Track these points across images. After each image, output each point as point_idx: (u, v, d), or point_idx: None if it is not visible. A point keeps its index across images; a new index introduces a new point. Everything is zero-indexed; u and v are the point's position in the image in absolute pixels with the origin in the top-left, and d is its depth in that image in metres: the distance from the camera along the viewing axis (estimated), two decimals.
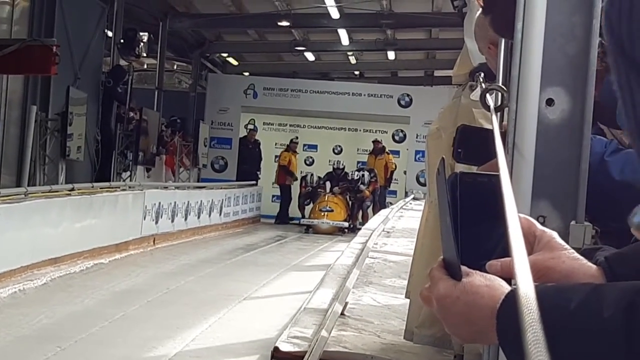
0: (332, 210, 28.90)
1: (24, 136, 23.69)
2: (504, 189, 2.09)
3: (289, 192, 39.33)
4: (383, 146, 37.37)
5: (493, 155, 2.80)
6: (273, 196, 41.34)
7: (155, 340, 13.31)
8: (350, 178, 34.15)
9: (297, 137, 39.58)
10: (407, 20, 34.18)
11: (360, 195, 33.56)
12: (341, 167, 35.64)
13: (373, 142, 37.66)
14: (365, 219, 30.51)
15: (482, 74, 5.35)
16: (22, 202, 17.02)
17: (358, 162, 37.08)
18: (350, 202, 32.86)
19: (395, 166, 37.32)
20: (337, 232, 28.12)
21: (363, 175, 35.12)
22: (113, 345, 12.74)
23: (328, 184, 34.64)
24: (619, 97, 0.87)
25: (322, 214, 28.72)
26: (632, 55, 0.80)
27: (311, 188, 35.11)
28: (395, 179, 37.02)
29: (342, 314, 9.91)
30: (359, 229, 27.22)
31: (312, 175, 36.43)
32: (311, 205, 33.81)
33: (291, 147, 36.88)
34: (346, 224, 29.18)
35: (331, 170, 36.23)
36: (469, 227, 2.19)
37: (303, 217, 33.97)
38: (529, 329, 1.22)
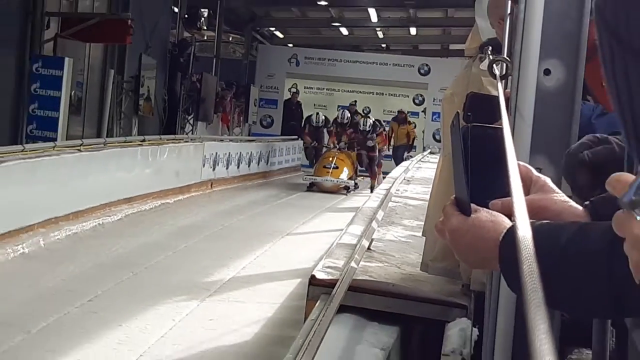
0: (337, 167, 25.39)
1: (103, 96, 23.68)
2: (506, 142, 2.12)
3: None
4: (406, 116, 36.70)
5: (498, 117, 2.83)
6: None
7: (212, 268, 13.32)
8: (362, 129, 30.34)
9: (355, 101, 38.43)
10: (426, 1, 33.94)
11: (372, 144, 29.53)
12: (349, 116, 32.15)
13: (398, 112, 36.99)
14: (375, 179, 28.14)
15: (490, 48, 5.37)
16: (101, 151, 17.01)
17: (384, 121, 36.65)
18: (357, 157, 28.60)
19: (416, 135, 36.91)
20: (342, 190, 25.32)
21: (375, 123, 31.86)
22: (177, 271, 12.77)
23: (326, 136, 31.75)
24: (611, 83, 0.87)
25: (327, 170, 25.37)
26: (630, 43, 0.79)
27: (320, 127, 32.11)
28: (415, 137, 36.64)
29: (368, 248, 9.88)
30: (371, 189, 25.50)
31: (317, 114, 33.66)
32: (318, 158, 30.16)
33: (350, 110, 35.83)
34: (352, 182, 26.06)
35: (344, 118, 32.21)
36: (478, 172, 2.23)
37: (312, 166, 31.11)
38: (525, 259, 1.24)
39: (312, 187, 24.74)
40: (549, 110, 3.78)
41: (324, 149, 28.57)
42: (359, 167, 29.07)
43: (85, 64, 22.96)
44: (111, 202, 16.66)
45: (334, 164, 25.04)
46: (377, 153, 29.68)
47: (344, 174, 24.90)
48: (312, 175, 25.21)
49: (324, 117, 32.39)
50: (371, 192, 25.12)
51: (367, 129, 30.01)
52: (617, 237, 1.71)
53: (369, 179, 29.58)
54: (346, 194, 24.13)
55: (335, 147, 27.80)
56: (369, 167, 28.70)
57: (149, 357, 8.82)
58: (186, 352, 9.09)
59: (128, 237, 15.20)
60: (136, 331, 9.69)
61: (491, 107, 3.06)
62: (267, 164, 29.72)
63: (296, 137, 34.88)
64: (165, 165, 20.37)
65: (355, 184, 26.20)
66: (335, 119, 31.44)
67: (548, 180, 2.28)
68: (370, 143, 29.02)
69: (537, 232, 1.59)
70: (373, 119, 31.37)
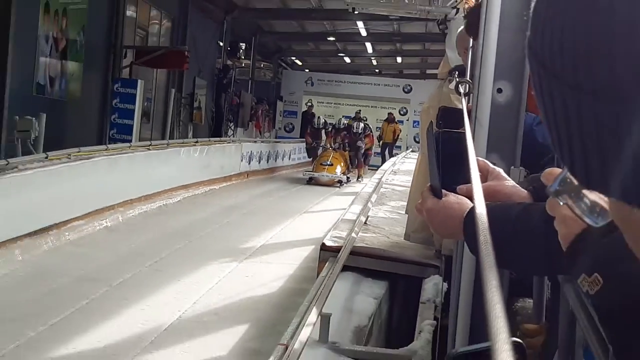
0: (331, 165, 24.50)
1: (166, 108, 23.75)
2: (468, 143, 2.14)
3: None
4: (394, 117, 36.70)
5: (462, 125, 2.83)
6: None
7: (246, 237, 13.34)
8: (355, 131, 29.82)
9: (360, 110, 37.72)
10: (409, 37, 33.90)
11: (360, 146, 29.20)
12: (345, 122, 31.05)
13: (388, 114, 37.15)
14: (361, 171, 28.29)
15: (457, 72, 5.41)
16: (165, 149, 17.03)
17: (376, 127, 36.86)
18: (348, 154, 27.72)
19: (400, 131, 37.01)
20: (336, 183, 24.35)
21: (364, 127, 31.29)
22: (221, 240, 12.80)
23: (323, 136, 30.49)
24: (539, 101, 0.86)
25: (323, 167, 24.48)
26: (553, 70, 0.78)
27: (318, 129, 30.69)
28: (400, 139, 36.67)
29: (365, 223, 9.90)
30: (359, 180, 25.88)
31: (318, 118, 32.56)
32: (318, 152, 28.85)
33: (356, 117, 35.71)
34: (344, 177, 25.07)
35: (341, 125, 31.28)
36: (447, 165, 2.25)
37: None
38: (482, 232, 1.23)
39: (311, 181, 23.86)
40: (501, 120, 3.79)
41: (321, 149, 27.60)
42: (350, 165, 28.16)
43: (153, 84, 23.06)
44: (172, 188, 16.69)
45: (330, 161, 24.37)
46: (363, 150, 29.33)
47: (338, 170, 24.07)
48: (310, 171, 24.36)
49: (323, 120, 31.65)
50: (357, 180, 26.13)
51: (359, 131, 29.64)
52: (550, 216, 1.71)
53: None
54: (339, 187, 23.45)
55: (331, 147, 27.03)
56: (357, 159, 28.17)
57: (201, 304, 8.84)
58: (228, 300, 9.12)
59: (185, 214, 15.26)
60: (190, 285, 9.73)
61: (457, 117, 3.07)
62: (288, 159, 29.69)
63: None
64: (213, 160, 20.39)
65: (348, 177, 25.41)
66: (333, 124, 30.86)
67: (501, 171, 2.31)
68: (359, 144, 28.64)
69: (491, 211, 1.59)
70: (363, 123, 30.92)
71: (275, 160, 27.67)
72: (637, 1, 0.72)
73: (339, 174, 23.89)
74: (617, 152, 0.74)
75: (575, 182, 0.84)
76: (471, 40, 4.82)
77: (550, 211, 1.67)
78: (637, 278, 1.18)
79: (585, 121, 0.75)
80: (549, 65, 0.77)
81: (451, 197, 2.17)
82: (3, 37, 14.86)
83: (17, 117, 15.10)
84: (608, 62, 0.72)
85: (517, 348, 1.06)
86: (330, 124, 31.60)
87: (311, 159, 28.63)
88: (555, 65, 0.76)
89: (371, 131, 32.90)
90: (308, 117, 36.13)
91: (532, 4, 0.83)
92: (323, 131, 29.89)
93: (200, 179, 18.98)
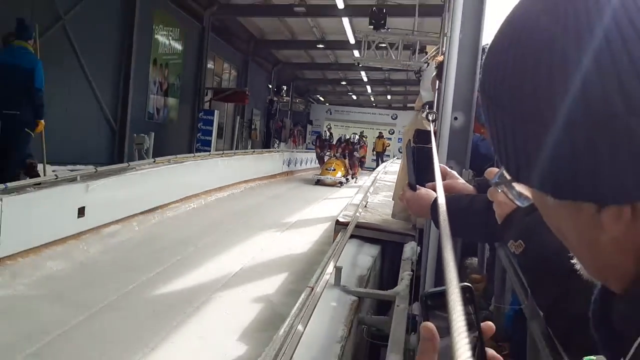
0: (334, 170, 22.84)
1: (234, 129, 23.73)
2: (434, 154, 2.14)
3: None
4: (382, 135, 36.45)
5: (430, 142, 2.83)
6: None
7: (286, 215, 13.30)
8: (353, 141, 28.40)
9: (363, 130, 36.92)
10: (396, 82, 33.86)
11: (356, 154, 27.57)
12: (347, 137, 29.55)
13: (379, 132, 37.03)
14: (356, 172, 26.64)
15: (427, 106, 5.39)
16: (232, 157, 17.00)
17: (373, 142, 37.01)
18: (347, 161, 25.79)
19: (388, 145, 36.94)
20: (337, 184, 22.46)
21: (359, 139, 30.05)
22: (266, 218, 12.74)
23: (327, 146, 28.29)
24: (487, 124, 0.86)
25: (328, 172, 22.74)
26: (496, 101, 0.77)
27: (325, 142, 28.41)
28: (389, 150, 36.72)
29: (365, 206, 9.87)
30: (355, 180, 24.77)
31: (325, 132, 30.70)
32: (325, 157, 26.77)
33: (361, 135, 35.44)
34: (344, 179, 23.30)
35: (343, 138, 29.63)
36: (419, 169, 2.25)
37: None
38: (442, 213, 1.23)
39: (318, 183, 22.25)
40: (456, 138, 3.77)
41: (327, 157, 25.99)
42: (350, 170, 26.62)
43: (224, 113, 23.10)
44: (238, 182, 16.67)
45: (333, 167, 23.10)
46: (357, 156, 28.10)
47: (339, 175, 22.83)
48: (318, 175, 22.86)
49: (329, 134, 30.27)
50: (352, 178, 25.01)
51: (356, 141, 28.74)
52: (490, 201, 1.70)
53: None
54: (340, 186, 22.17)
55: (335, 155, 25.57)
56: (352, 163, 26.58)
57: (255, 260, 8.83)
58: (274, 257, 9.12)
59: (245, 200, 15.22)
60: (249, 246, 9.73)
61: (427, 137, 3.06)
62: (312, 163, 29.53)
63: None
64: (265, 164, 20.40)
65: (347, 179, 23.97)
66: (339, 138, 29.53)
67: (455, 173, 2.35)
68: (356, 153, 27.59)
69: (448, 199, 1.58)
70: (358, 136, 30.27)
71: (306, 164, 27.50)
72: (553, 62, 0.72)
73: (339, 177, 22.75)
74: (536, 158, 0.75)
75: (509, 177, 0.84)
76: (437, 82, 4.81)
77: (490, 197, 1.68)
78: (549, 243, 1.17)
79: (517, 136, 0.76)
80: (494, 99, 0.78)
81: (422, 190, 2.21)
82: (126, 81, 14.97)
83: (135, 134, 15.29)
84: (533, 98, 0.73)
85: (466, 289, 1.04)
86: (337, 139, 30.08)
87: (320, 164, 26.94)
88: (498, 99, 0.77)
89: (365, 144, 32.40)
90: (328, 135, 36.26)
91: (483, 60, 0.83)
92: (327, 144, 28.51)
93: (256, 176, 18.94)
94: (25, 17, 9.07)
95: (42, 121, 8.55)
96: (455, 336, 0.71)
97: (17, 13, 9.24)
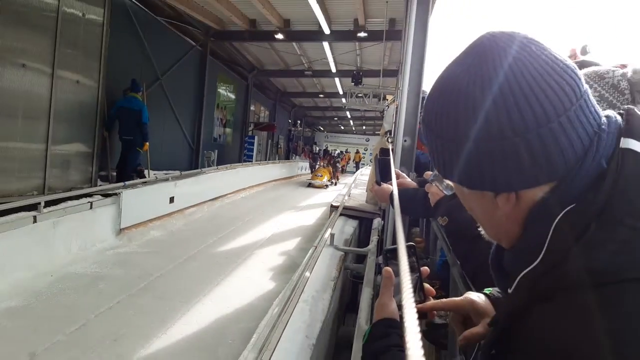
0: (321, 175, 19.99)
1: (267, 148, 23.62)
2: (391, 162, 2.11)
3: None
4: (359, 151, 36.49)
5: (389, 155, 2.80)
6: None
7: (300, 201, 13.25)
8: (334, 155, 25.96)
9: (347, 149, 37.27)
10: (368, 118, 33.52)
11: (337, 165, 24.64)
12: (331, 151, 28.22)
13: (357, 150, 36.97)
14: (337, 178, 23.31)
15: (388, 132, 5.32)
16: (266, 165, 16.93)
17: (354, 155, 36.88)
18: (332, 169, 22.65)
19: (362, 157, 36.68)
20: (324, 187, 19.41)
21: (339, 153, 28.20)
22: (287, 203, 12.68)
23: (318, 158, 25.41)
24: (428, 145, 0.86)
25: (317, 177, 19.80)
26: (436, 132, 0.76)
27: (315, 154, 25.60)
28: (363, 160, 36.44)
29: (348, 195, 9.81)
30: (335, 184, 21.62)
31: (315, 147, 27.90)
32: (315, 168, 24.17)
33: (343, 151, 34.48)
34: (329, 183, 20.14)
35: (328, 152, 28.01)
36: (382, 172, 2.21)
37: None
38: (395, 200, 1.22)
39: (309, 186, 19.40)
40: (405, 153, 3.73)
41: (317, 166, 23.29)
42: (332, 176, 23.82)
43: (261, 138, 22.90)
44: (268, 181, 16.56)
45: (320, 174, 20.40)
46: (339, 167, 25.73)
47: (325, 179, 20.04)
48: (310, 180, 19.95)
49: (318, 149, 27.61)
50: (335, 183, 21.97)
51: (336, 155, 27.15)
52: (427, 192, 1.67)
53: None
54: (326, 188, 19.55)
55: (322, 165, 22.71)
56: (335, 171, 23.73)
57: (280, 229, 8.75)
58: (292, 227, 9.04)
59: (274, 192, 15.11)
60: (276, 220, 9.64)
61: (387, 152, 3.02)
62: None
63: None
64: (287, 169, 20.28)
65: (332, 183, 21.11)
66: (325, 150, 28.18)
67: (405, 175, 2.29)
68: (337, 165, 25.05)
69: (400, 191, 1.57)
70: (339, 151, 29.00)
71: (307, 170, 26.90)
72: (467, 104, 0.73)
73: (325, 181, 20.01)
74: (455, 164, 0.76)
75: (439, 174, 0.83)
76: (394, 117, 4.77)
77: (427, 189, 1.66)
78: (464, 218, 1.16)
79: (444, 150, 0.77)
80: (432, 127, 0.78)
81: (384, 185, 2.17)
82: (199, 118, 14.90)
83: (205, 151, 15.19)
84: (454, 127, 0.74)
85: (411, 247, 1.03)
86: (324, 152, 28.09)
87: (310, 171, 24.38)
88: (433, 127, 0.78)
89: (344, 157, 31.19)
90: (328, 151, 35.90)
91: (423, 103, 0.84)
92: (317, 156, 26.09)
93: (281, 177, 18.80)
94: (136, 77, 9.06)
95: (147, 143, 8.62)
96: (402, 275, 0.70)
97: (131, 75, 9.24)
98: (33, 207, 5.17)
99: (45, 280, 4.81)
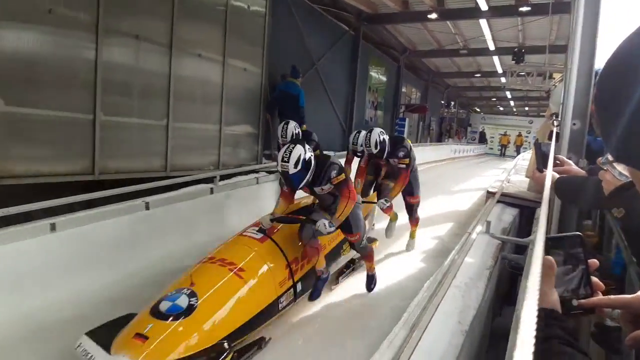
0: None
1: (418, 129, 23.06)
2: (551, 149, 2.00)
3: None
4: (521, 134, 33.23)
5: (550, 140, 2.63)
6: None
7: (451, 186, 12.87)
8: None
9: (506, 131, 34.18)
10: (532, 99, 30.71)
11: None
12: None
13: (519, 132, 33.85)
14: None
15: (554, 115, 4.95)
16: (417, 146, 16.56)
17: (515, 138, 34.35)
18: None
19: (524, 141, 33.48)
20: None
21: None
22: (440, 188, 12.33)
23: None
24: (604, 134, 0.83)
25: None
26: (615, 112, 0.74)
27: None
28: (525, 144, 33.70)
29: (508, 181, 9.28)
30: None
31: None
32: None
33: (505, 134, 33.23)
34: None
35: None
36: (543, 157, 2.12)
37: None
38: (546, 185, 1.18)
39: None
40: (574, 138, 3.43)
41: None
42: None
43: (412, 120, 22.52)
44: (420, 163, 16.30)
45: None
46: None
47: None
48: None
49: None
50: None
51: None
52: (599, 180, 1.56)
53: None
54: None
55: None
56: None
57: (436, 212, 8.40)
58: (446, 212, 8.77)
59: (427, 174, 14.86)
60: (430, 204, 9.49)
61: (550, 136, 2.85)
62: (472, 152, 27.69)
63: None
64: (439, 151, 19.73)
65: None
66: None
67: (571, 162, 2.16)
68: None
69: (567, 179, 1.50)
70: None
71: (461, 153, 25.75)
72: (637, 80, 0.71)
73: None
74: (632, 146, 0.72)
75: (611, 159, 0.82)
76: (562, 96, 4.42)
77: (600, 177, 1.56)
78: None
79: (616, 129, 0.74)
80: (605, 105, 0.76)
81: (544, 172, 2.05)
82: (352, 100, 15.30)
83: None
84: (631, 103, 0.71)
85: (577, 236, 1.01)
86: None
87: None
88: (607, 105, 0.76)
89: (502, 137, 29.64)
90: (482, 134, 33.95)
91: (596, 80, 0.82)
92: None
93: (432, 160, 18.19)
94: (295, 64, 9.66)
95: (305, 125, 9.17)
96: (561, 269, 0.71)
97: (290, 61, 9.84)
98: (209, 180, 5.87)
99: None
